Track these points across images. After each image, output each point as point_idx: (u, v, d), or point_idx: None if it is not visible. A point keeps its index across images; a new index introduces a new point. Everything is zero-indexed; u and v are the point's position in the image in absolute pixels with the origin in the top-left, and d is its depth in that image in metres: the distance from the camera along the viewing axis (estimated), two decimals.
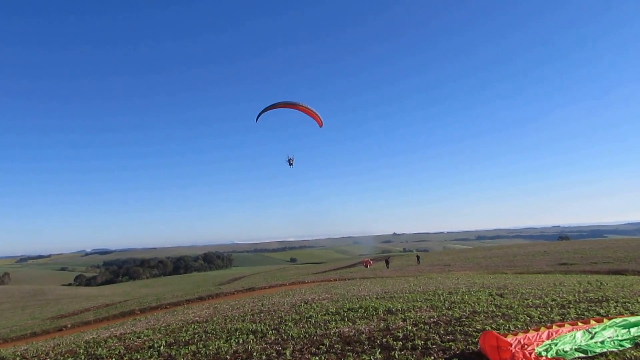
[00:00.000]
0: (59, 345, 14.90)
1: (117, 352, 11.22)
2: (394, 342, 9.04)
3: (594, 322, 8.15)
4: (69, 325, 31.11)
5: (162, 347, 11.05)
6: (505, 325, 9.88)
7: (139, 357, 10.25)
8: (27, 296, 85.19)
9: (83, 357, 11.04)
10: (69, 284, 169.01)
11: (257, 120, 26.17)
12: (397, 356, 8.09)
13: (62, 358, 11.39)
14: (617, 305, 11.93)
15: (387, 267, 58.67)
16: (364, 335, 10.00)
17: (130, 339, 13.68)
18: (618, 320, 8.09)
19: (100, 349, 12.08)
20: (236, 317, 15.95)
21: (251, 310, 18.12)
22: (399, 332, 9.91)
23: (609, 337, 7.59)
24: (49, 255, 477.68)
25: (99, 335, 16.23)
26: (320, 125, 27.64)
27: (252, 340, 10.78)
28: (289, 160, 26.92)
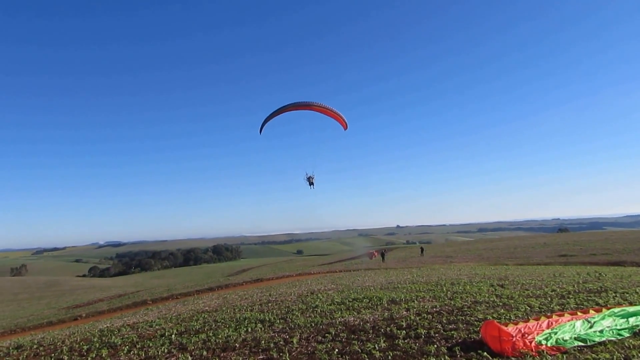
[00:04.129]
0: (74, 333, 15.25)
1: (130, 340, 11.56)
2: (398, 331, 9.28)
3: (593, 312, 8.27)
4: (84, 315, 31.60)
5: (173, 336, 11.39)
6: (506, 315, 10.08)
7: (151, 345, 10.58)
8: (43, 287, 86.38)
9: (97, 345, 11.36)
10: (83, 275, 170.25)
11: (261, 131, 23.09)
12: (400, 344, 8.34)
13: (77, 346, 11.70)
14: (615, 296, 12.11)
15: (383, 261, 56.08)
16: (368, 324, 10.26)
17: (142, 327, 14.03)
18: (617, 310, 8.22)
19: (114, 337, 12.43)
20: (245, 307, 16.25)
21: (259, 300, 18.42)
22: (402, 322, 10.16)
23: (607, 327, 7.75)
24: (64, 248, 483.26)
25: (112, 324, 16.58)
26: (345, 128, 23.77)
27: (260, 328, 11.08)
28: (308, 178, 24.07)
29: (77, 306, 42.96)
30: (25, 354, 11.58)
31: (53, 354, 10.95)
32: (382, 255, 61.18)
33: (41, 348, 12.23)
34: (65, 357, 10.42)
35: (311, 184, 24.11)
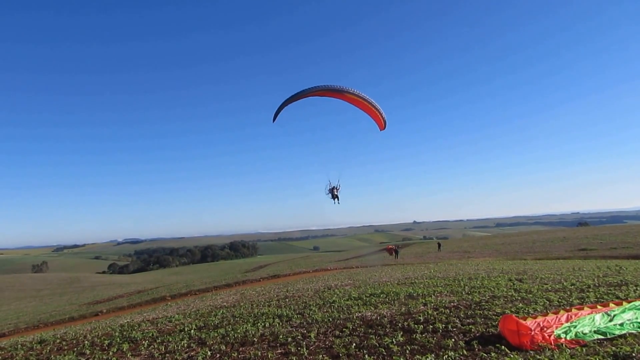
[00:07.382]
0: (96, 329, 15.63)
1: (150, 335, 11.79)
2: (415, 326, 9.28)
3: (613, 305, 8.14)
4: (104, 311, 32.24)
5: (192, 331, 11.58)
6: (525, 309, 10.00)
7: (171, 339, 10.76)
8: (64, 283, 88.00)
9: (118, 340, 11.61)
10: (103, 272, 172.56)
11: (274, 119, 18.78)
12: (418, 338, 8.34)
13: (99, 341, 11.96)
14: (636, 289, 11.93)
15: (396, 257, 54.06)
16: (385, 319, 10.27)
17: (162, 323, 14.31)
18: (637, 303, 8.07)
19: (134, 332, 12.70)
20: (262, 303, 16.43)
21: (276, 296, 18.59)
22: (420, 316, 10.15)
23: (628, 320, 7.63)
24: (84, 245, 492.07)
25: (132, 320, 16.93)
26: (382, 128, 19.01)
27: (278, 324, 11.19)
28: (331, 190, 19.49)
29: (97, 302, 43.82)
30: (48, 348, 11.88)
31: (75, 349, 11.22)
32: (396, 252, 60.18)
33: (64, 343, 12.53)
34: (88, 352, 10.66)
35: (335, 197, 19.54)
